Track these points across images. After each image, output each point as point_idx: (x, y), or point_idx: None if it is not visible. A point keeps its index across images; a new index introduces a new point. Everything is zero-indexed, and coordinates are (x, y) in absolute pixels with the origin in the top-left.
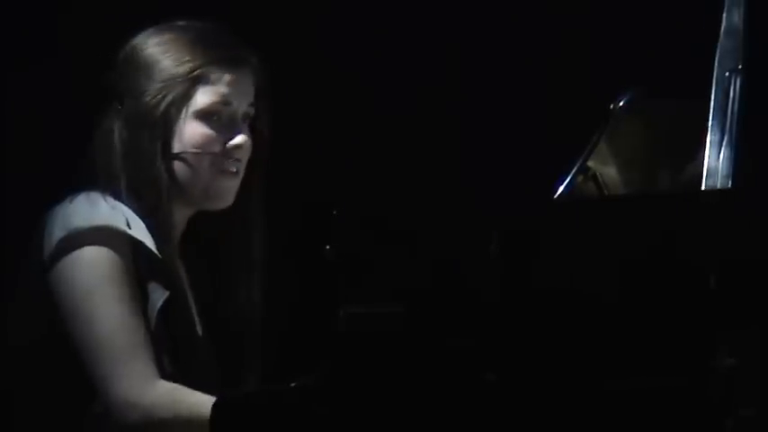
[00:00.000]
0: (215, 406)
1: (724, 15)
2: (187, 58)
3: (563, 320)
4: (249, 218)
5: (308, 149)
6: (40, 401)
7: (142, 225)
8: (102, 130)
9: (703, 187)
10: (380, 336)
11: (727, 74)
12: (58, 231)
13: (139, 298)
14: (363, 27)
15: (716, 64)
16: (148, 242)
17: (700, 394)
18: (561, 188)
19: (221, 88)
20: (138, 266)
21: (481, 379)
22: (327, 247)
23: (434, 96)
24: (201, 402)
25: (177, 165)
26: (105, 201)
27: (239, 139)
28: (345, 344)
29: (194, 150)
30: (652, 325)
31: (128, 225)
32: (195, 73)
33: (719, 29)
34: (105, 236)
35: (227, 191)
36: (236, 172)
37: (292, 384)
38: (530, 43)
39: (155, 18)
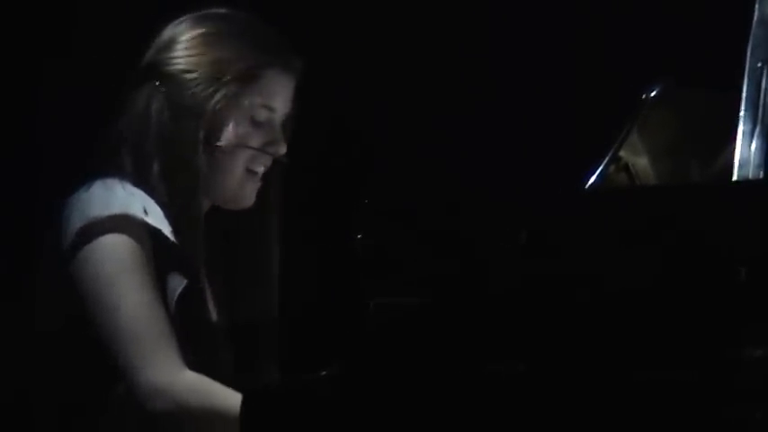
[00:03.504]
0: (245, 396)
1: (756, 6)
2: (243, 55)
3: (593, 311)
4: (268, 213)
5: (337, 140)
6: (63, 388)
7: (160, 212)
8: (136, 109)
9: (735, 178)
10: (408, 326)
11: (759, 64)
12: (76, 220)
13: (159, 285)
14: (394, 19)
15: (748, 54)
16: (165, 229)
17: (728, 386)
18: (593, 178)
19: (270, 92)
20: (155, 254)
21: (509, 369)
22: (357, 236)
23: (464, 86)
24: (228, 395)
25: (214, 157)
26: (122, 187)
27: (281, 147)
28: (373, 334)
29: (235, 144)
30: (681, 316)
31: (145, 212)
32: (251, 71)
33: (752, 19)
34: (123, 223)
35: (251, 192)
36: (260, 175)
37: (322, 374)
38: (561, 34)
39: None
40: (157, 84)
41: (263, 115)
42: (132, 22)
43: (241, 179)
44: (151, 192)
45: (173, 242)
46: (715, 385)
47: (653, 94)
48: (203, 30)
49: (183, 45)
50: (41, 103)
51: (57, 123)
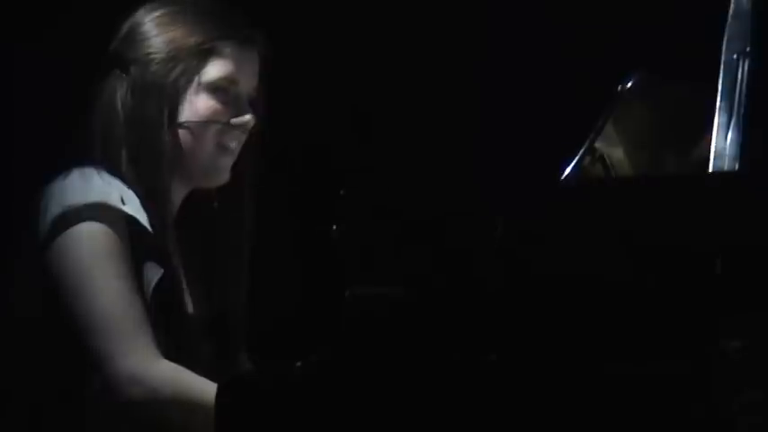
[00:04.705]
0: (220, 386)
1: None
2: (199, 30)
3: (568, 303)
4: (242, 200)
5: (317, 130)
6: (40, 379)
7: (136, 201)
8: (103, 99)
9: (710, 170)
10: (385, 317)
11: (734, 56)
12: (53, 209)
13: (136, 275)
14: (370, 12)
15: (724, 46)
16: (142, 219)
17: (705, 378)
18: (568, 170)
19: (230, 65)
20: (132, 243)
21: (484, 360)
22: (333, 227)
23: (441, 80)
24: (204, 386)
25: (182, 135)
26: (99, 176)
27: (248, 117)
28: (350, 325)
29: (201, 120)
30: (657, 308)
31: (122, 201)
32: (207, 45)
33: (727, 11)
34: (101, 212)
35: (225, 168)
36: (233, 150)
37: (297, 365)
38: (536, 27)
39: None
40: (120, 71)
41: (227, 88)
42: (105, 14)
43: (213, 154)
44: (125, 181)
45: (149, 232)
46: (691, 377)
47: (628, 85)
48: (158, 13)
49: (141, 30)
50: (17, 94)
51: (33, 114)
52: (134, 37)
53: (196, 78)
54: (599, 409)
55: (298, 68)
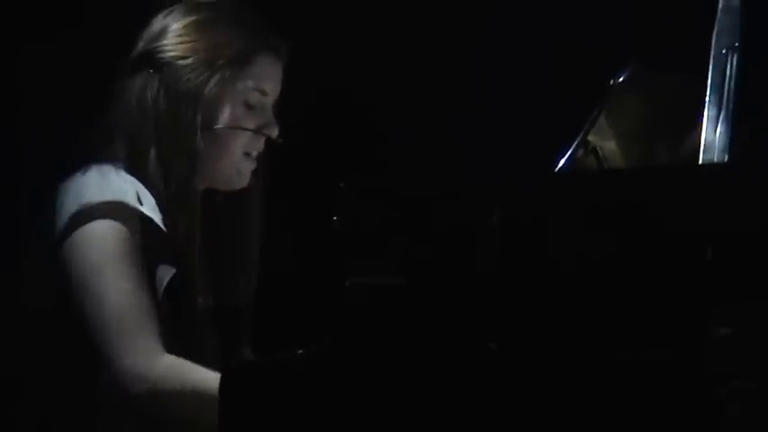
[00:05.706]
0: (224, 374)
1: None
2: (236, 39)
3: (562, 292)
4: (251, 197)
5: (315, 122)
6: (50, 372)
7: (152, 201)
8: (130, 97)
9: (700, 161)
10: (386, 307)
11: (724, 51)
12: (69, 205)
13: (148, 273)
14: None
15: (713, 41)
16: (157, 218)
17: (694, 365)
18: (562, 162)
19: (262, 76)
20: (146, 242)
21: (484, 348)
22: (334, 218)
23: (437, 72)
24: (207, 377)
25: (212, 140)
26: (117, 174)
27: (274, 129)
28: (351, 314)
29: (232, 127)
30: (648, 296)
31: (138, 200)
32: (243, 56)
33: (717, 6)
34: (117, 210)
35: (246, 174)
36: (255, 157)
37: (299, 352)
38: (529, 19)
39: None
40: (152, 72)
41: (255, 99)
42: (120, 11)
43: (238, 161)
44: (144, 180)
45: (164, 231)
46: (681, 364)
47: (620, 79)
48: (195, 17)
49: (176, 33)
50: (26, 94)
51: (41, 113)
52: (168, 39)
53: (230, 87)
54: (589, 394)
55: (299, 63)
